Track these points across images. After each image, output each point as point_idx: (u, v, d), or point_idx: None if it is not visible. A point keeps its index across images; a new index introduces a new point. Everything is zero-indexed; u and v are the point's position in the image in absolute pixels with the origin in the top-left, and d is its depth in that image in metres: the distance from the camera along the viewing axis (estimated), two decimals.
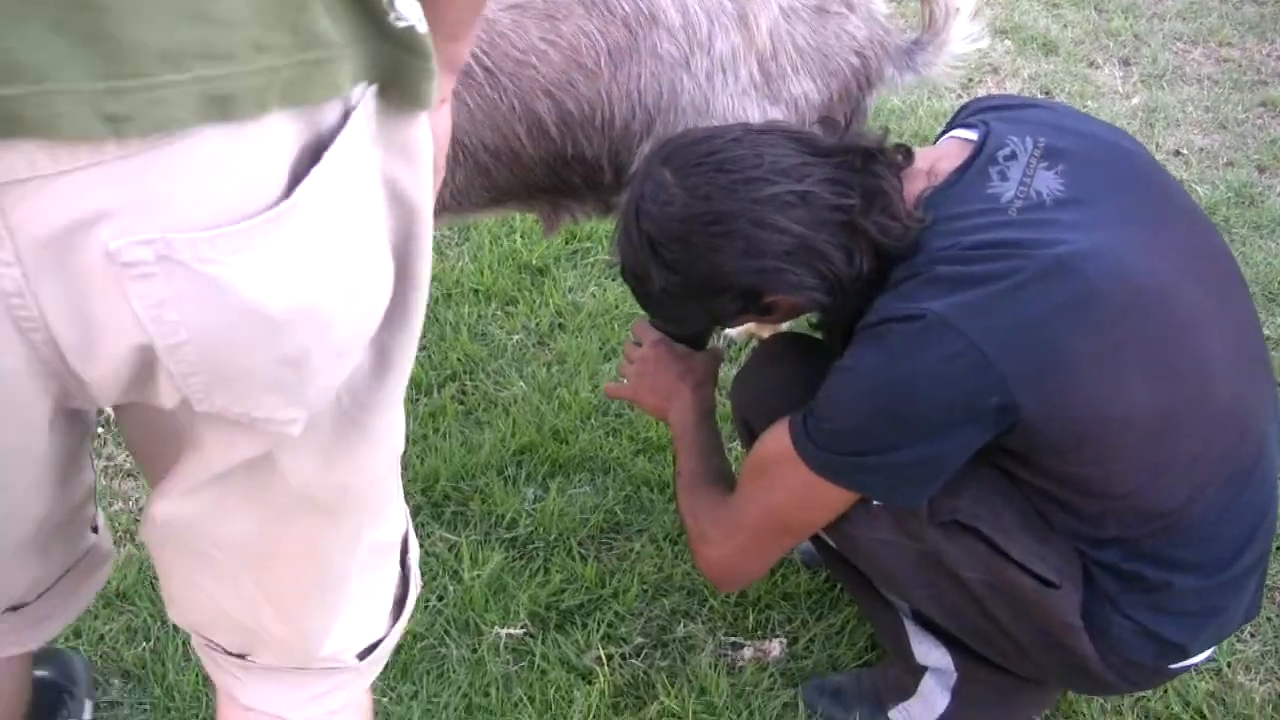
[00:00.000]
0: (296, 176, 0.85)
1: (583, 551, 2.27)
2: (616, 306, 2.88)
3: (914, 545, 1.68)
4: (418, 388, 2.61)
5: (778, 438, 1.66)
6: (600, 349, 2.75)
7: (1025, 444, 1.56)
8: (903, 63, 2.06)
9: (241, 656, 1.23)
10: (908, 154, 1.69)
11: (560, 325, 2.84)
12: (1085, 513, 1.62)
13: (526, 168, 1.95)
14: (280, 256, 0.85)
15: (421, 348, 2.67)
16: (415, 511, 2.30)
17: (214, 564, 1.11)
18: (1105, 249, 1.53)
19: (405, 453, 1.39)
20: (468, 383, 2.64)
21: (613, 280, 2.98)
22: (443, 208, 1.98)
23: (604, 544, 2.30)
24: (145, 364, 0.88)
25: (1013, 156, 1.61)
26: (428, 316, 1.33)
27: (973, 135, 1.68)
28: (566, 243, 3.06)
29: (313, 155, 0.85)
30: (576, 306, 2.89)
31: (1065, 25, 4.27)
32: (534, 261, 3.01)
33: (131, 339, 0.85)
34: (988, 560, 1.65)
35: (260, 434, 0.96)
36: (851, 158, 1.63)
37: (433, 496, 2.35)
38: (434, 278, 1.34)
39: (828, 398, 1.60)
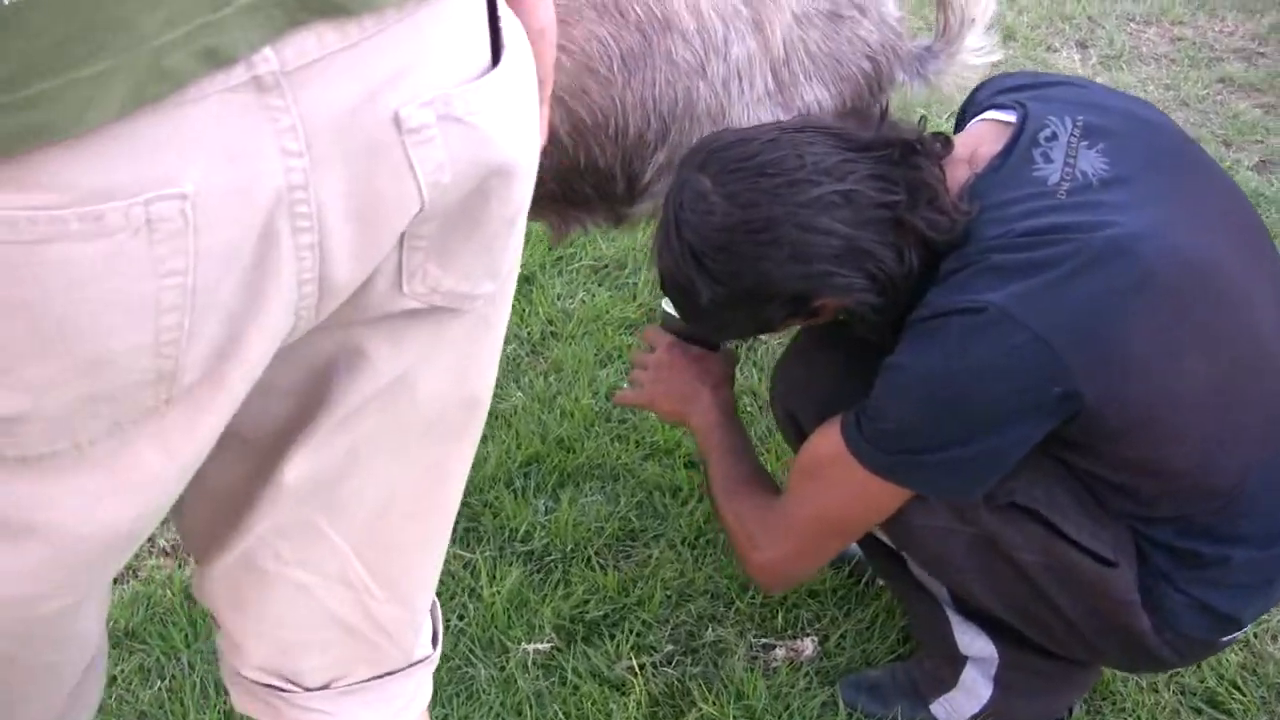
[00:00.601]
0: (493, 32, 0.90)
1: (601, 561, 2.24)
2: (608, 311, 2.85)
3: (969, 530, 1.67)
4: None
5: (828, 438, 1.64)
6: (596, 355, 2.73)
7: (1086, 431, 1.55)
8: (913, 69, 2.03)
9: (326, 687, 1.18)
10: (946, 142, 1.67)
11: (553, 333, 2.81)
12: (1141, 494, 1.62)
13: (537, 177, 1.91)
14: (511, 107, 0.89)
15: None
16: None
17: (327, 549, 1.06)
18: (1155, 228, 1.53)
19: None
20: None
21: (600, 285, 2.96)
22: None
23: (621, 552, 2.28)
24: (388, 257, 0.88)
25: (1054, 137, 1.60)
26: None
27: (1009, 117, 1.67)
28: (550, 249, 3.03)
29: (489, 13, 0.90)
30: (567, 314, 2.86)
31: (1020, 11, 4.31)
32: (520, 269, 2.97)
33: (401, 220, 0.85)
34: (1045, 541, 1.64)
35: (435, 323, 0.96)
36: (891, 151, 1.61)
37: None
38: None
39: (882, 395, 1.58)
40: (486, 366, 1.08)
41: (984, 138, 1.68)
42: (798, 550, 1.77)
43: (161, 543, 2.20)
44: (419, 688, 1.26)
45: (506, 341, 2.74)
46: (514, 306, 2.84)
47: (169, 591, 2.10)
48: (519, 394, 2.62)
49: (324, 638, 1.15)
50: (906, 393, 1.56)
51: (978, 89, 1.83)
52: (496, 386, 2.58)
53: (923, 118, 1.79)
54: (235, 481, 1.02)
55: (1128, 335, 1.51)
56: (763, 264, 1.60)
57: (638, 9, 1.83)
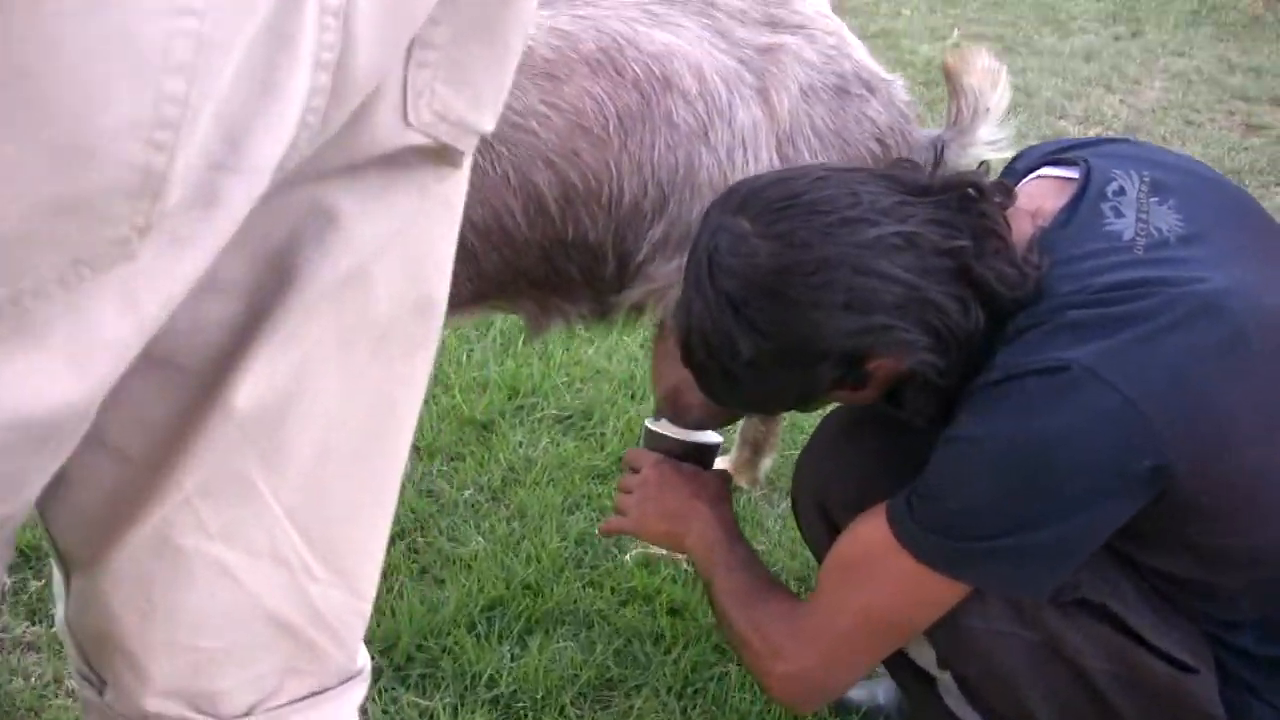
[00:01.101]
0: None
1: (578, 711, 1.97)
2: (574, 460, 2.64)
3: (1028, 634, 1.44)
4: None
5: (871, 526, 1.43)
6: (563, 501, 2.50)
7: (1170, 514, 1.36)
8: (924, 158, 1.88)
9: (249, 713, 0.92)
10: (1008, 193, 1.50)
11: (515, 480, 2.58)
12: (1220, 592, 1.42)
13: (519, 250, 1.72)
14: None
15: None
16: (376, 675, 1.98)
17: (258, 511, 0.83)
18: (1240, 286, 1.37)
19: None
20: (419, 539, 2.36)
21: (565, 434, 2.75)
22: None
23: (599, 702, 2.01)
24: None
25: (1122, 192, 1.46)
26: None
27: (1070, 173, 1.53)
28: (510, 398, 2.84)
29: None
30: (530, 461, 2.64)
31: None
32: (477, 416, 2.77)
33: None
34: (1116, 645, 1.42)
35: (417, 182, 0.80)
36: (949, 197, 1.44)
37: (394, 658, 2.04)
38: None
39: (942, 472, 1.37)
40: (443, 259, 0.90)
41: (1046, 192, 1.53)
42: (830, 658, 1.53)
43: (69, 684, 1.90)
44: (355, 713, 1.00)
45: (464, 487, 2.53)
46: (472, 454, 2.64)
47: None
48: (479, 539, 2.37)
49: (251, 639, 0.90)
50: (974, 467, 1.36)
51: (1016, 158, 1.69)
52: (454, 530, 2.37)
53: (983, 163, 1.63)
54: (163, 422, 0.79)
55: (1223, 401, 1.33)
56: (815, 312, 1.39)
57: (635, 67, 1.68)
